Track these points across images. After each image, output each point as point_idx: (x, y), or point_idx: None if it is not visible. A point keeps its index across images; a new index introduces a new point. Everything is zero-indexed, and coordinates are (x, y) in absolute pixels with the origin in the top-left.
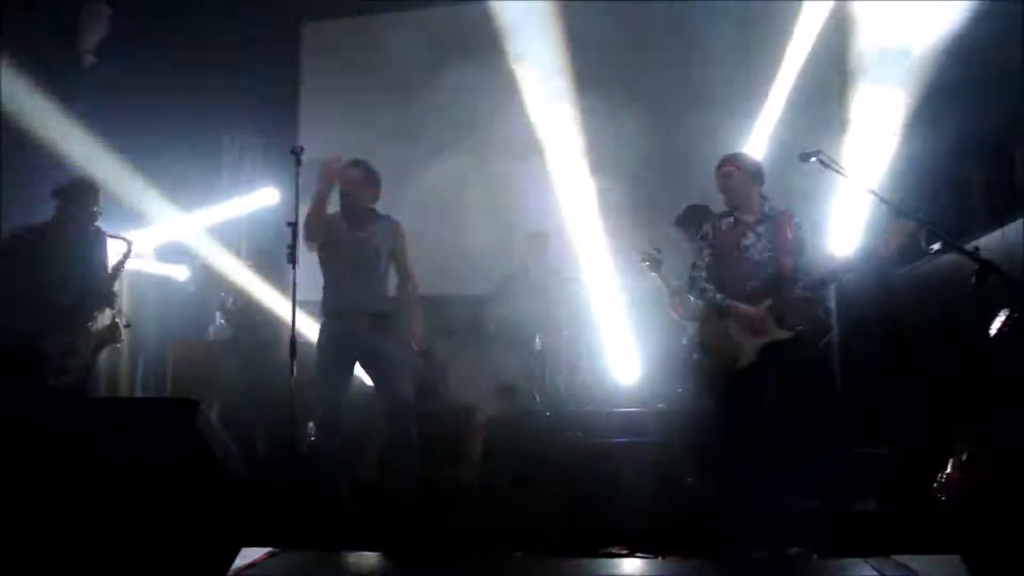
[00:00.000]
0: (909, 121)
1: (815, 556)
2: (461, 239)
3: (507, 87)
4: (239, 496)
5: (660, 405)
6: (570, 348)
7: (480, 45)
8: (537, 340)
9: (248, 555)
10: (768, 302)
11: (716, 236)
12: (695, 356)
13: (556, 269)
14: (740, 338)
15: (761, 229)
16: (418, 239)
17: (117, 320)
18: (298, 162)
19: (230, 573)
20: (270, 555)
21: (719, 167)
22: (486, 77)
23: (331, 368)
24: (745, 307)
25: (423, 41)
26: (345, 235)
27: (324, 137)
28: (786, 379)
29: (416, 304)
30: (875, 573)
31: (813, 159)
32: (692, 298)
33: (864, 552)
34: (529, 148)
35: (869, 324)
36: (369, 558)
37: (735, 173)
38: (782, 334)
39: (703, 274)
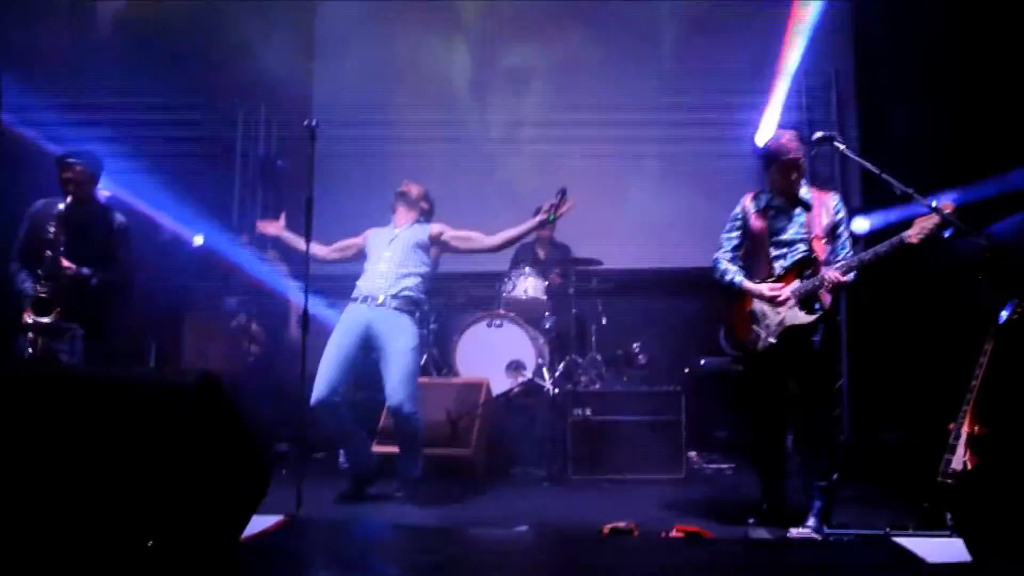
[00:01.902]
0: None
1: (818, 537)
2: (474, 216)
3: (521, 67)
4: (257, 466)
5: (675, 387)
6: (581, 327)
7: (489, 28)
8: (547, 318)
9: (259, 523)
10: (794, 285)
11: (747, 218)
12: (723, 333)
13: (566, 247)
14: (761, 321)
15: (795, 211)
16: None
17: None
18: (312, 136)
19: (241, 541)
20: (280, 524)
21: (788, 155)
22: (498, 58)
23: (328, 352)
24: (760, 288)
25: (434, 23)
26: (379, 236)
27: (337, 113)
28: (802, 364)
29: (503, 234)
30: (878, 555)
31: (826, 144)
32: (717, 279)
33: (867, 535)
34: (544, 128)
35: (878, 309)
36: (379, 527)
37: (800, 160)
38: (804, 318)
39: (728, 255)
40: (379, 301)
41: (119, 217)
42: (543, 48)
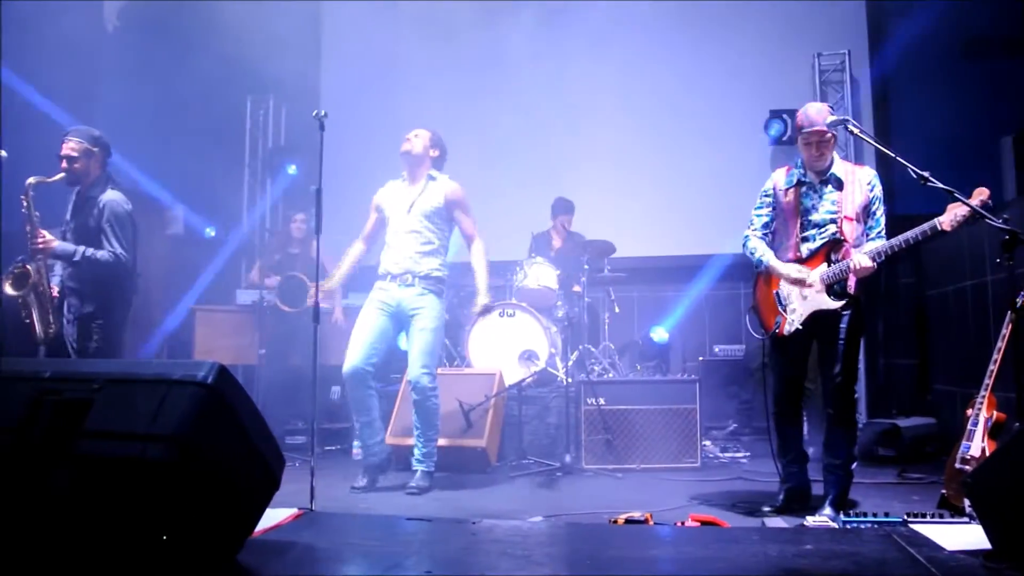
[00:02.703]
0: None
1: (835, 525)
2: (489, 204)
3: (532, 54)
4: (267, 460)
5: (689, 376)
6: (593, 315)
7: (495, 22)
8: (559, 307)
9: (273, 516)
10: (822, 269)
11: (777, 194)
12: (749, 315)
13: (580, 237)
14: (787, 305)
15: (826, 189)
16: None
17: (28, 266)
18: (321, 127)
19: (255, 535)
20: (296, 517)
21: (808, 127)
22: (509, 44)
23: (362, 324)
24: (787, 268)
25: (441, 10)
26: (393, 198)
27: (346, 102)
28: (828, 350)
29: (479, 264)
30: (895, 542)
31: (840, 127)
32: (747, 257)
33: (885, 522)
34: (556, 116)
35: (895, 295)
36: (392, 519)
37: (825, 135)
38: (831, 304)
39: (759, 232)
40: (408, 282)
41: (111, 198)
42: (554, 34)
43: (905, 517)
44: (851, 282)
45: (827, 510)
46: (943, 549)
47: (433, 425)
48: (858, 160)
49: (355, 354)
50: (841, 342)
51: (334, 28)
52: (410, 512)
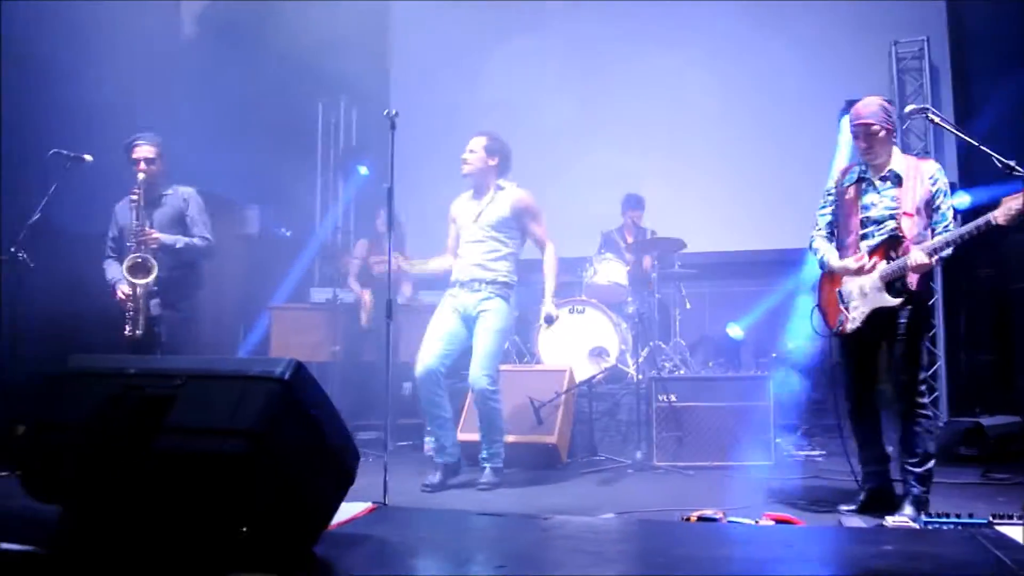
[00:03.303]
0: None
1: (916, 526)
2: (558, 201)
3: (600, 53)
4: (342, 455)
5: (762, 372)
6: (664, 311)
7: (564, 19)
8: (629, 303)
9: (348, 510)
10: (880, 264)
11: (838, 192)
12: (813, 314)
13: (651, 231)
14: (849, 304)
15: (885, 185)
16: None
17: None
18: (392, 126)
19: (330, 528)
20: (370, 511)
21: (853, 120)
22: (580, 42)
23: (435, 325)
24: (845, 263)
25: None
26: (463, 210)
27: (415, 99)
28: (891, 348)
29: (548, 270)
30: (980, 543)
31: (920, 115)
32: (813, 255)
33: (969, 523)
34: (628, 111)
35: (976, 290)
36: (464, 514)
37: (871, 127)
38: (890, 301)
39: (824, 232)
40: (475, 288)
41: (191, 191)
42: (624, 30)
43: (990, 518)
44: (911, 279)
45: (907, 510)
46: None
47: (496, 427)
48: (939, 149)
49: (428, 355)
50: (900, 339)
51: (402, 28)
52: (481, 507)
